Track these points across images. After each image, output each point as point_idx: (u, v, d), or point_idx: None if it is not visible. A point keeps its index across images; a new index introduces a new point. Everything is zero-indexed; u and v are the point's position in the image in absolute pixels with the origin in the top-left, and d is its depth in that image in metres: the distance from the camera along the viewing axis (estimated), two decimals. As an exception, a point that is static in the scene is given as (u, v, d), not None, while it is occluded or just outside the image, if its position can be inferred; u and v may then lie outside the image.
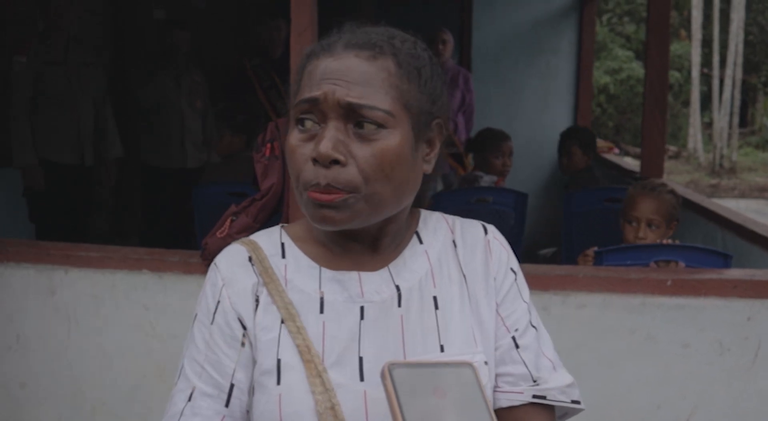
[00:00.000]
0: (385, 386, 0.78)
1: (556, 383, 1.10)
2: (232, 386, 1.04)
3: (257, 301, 1.06)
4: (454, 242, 1.15)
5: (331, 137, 0.99)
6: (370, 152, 1.00)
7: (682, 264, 2.53)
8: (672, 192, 2.83)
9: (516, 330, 1.11)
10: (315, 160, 0.99)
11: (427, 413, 0.76)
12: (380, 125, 1.00)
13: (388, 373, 0.78)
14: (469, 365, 0.82)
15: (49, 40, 4.18)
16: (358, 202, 1.00)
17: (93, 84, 4.37)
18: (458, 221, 1.19)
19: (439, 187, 4.97)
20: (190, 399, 1.05)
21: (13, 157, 4.14)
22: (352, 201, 1.00)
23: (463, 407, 0.77)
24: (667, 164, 4.45)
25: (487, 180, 4.22)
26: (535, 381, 1.09)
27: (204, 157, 4.98)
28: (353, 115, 1.00)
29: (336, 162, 0.99)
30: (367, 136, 1.00)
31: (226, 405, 1.04)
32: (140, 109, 4.91)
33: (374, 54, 1.02)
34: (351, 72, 1.01)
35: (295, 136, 1.03)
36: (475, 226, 1.18)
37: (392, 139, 1.01)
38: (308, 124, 1.02)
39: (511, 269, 1.15)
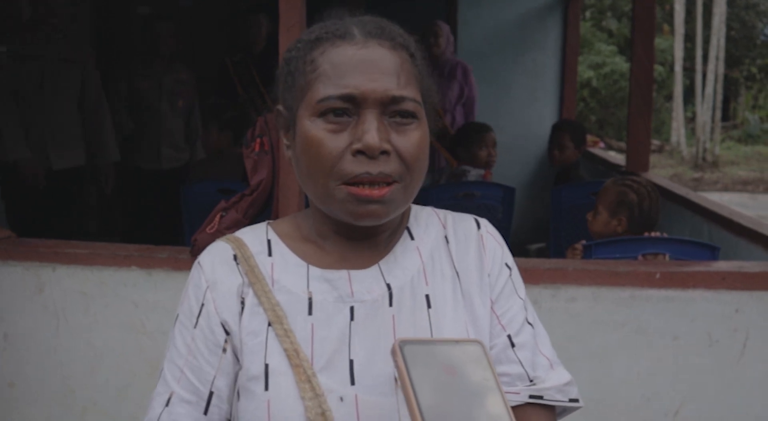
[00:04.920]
0: (396, 362, 0.79)
1: (553, 382, 1.07)
2: (211, 393, 1.01)
3: (242, 303, 1.03)
4: (446, 237, 1.12)
5: (376, 127, 0.97)
6: (409, 142, 0.99)
7: (667, 256, 2.56)
8: (628, 187, 2.83)
9: (511, 328, 1.08)
10: (359, 152, 0.97)
11: (437, 389, 0.76)
12: (413, 116, 1.00)
13: (399, 350, 0.79)
14: (478, 342, 0.83)
15: (35, 32, 3.93)
16: (399, 193, 1.00)
17: (70, 82, 4.13)
18: (450, 216, 1.16)
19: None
20: (167, 404, 1.02)
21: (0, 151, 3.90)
22: (396, 193, 0.99)
23: (473, 383, 0.78)
24: (651, 158, 4.48)
25: (474, 174, 4.25)
26: (531, 381, 1.07)
27: (185, 157, 4.82)
28: (391, 108, 0.99)
29: (383, 152, 0.97)
30: (403, 126, 1.00)
31: (205, 412, 1.01)
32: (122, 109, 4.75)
33: (393, 44, 1.02)
34: (383, 62, 0.99)
35: (320, 127, 0.99)
36: (467, 220, 1.15)
37: (422, 129, 1.02)
38: (338, 114, 0.99)
39: (506, 265, 1.12)
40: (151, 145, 4.73)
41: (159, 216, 4.71)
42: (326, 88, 0.99)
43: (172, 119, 4.75)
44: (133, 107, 4.68)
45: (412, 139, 1.00)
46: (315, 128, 0.99)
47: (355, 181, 0.97)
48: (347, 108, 0.98)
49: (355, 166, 0.97)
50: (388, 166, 0.97)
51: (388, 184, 0.98)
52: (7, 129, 3.87)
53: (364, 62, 0.99)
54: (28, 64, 3.94)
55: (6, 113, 3.86)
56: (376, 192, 0.97)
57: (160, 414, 1.02)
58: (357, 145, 0.97)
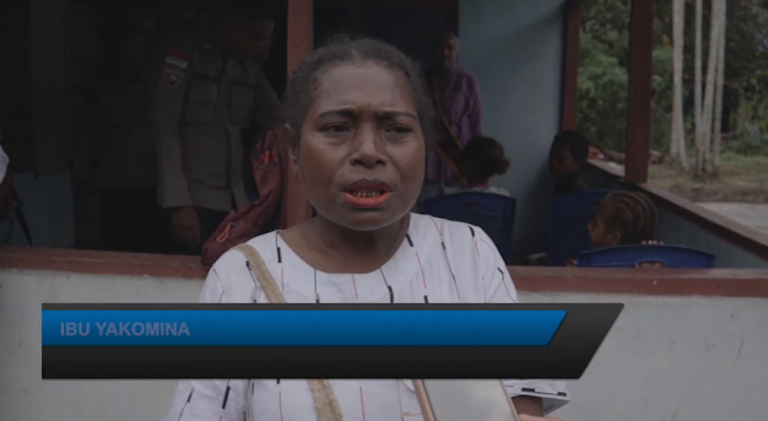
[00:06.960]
0: None
1: None
2: (228, 388, 1.08)
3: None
4: (443, 243, 1.20)
5: (372, 139, 1.05)
6: (404, 152, 1.07)
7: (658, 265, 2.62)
8: (625, 204, 2.88)
9: None
10: (357, 161, 1.04)
11: (444, 383, 0.82)
12: (408, 129, 1.08)
13: None
14: None
15: (211, 48, 3.23)
16: (396, 200, 1.07)
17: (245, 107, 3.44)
18: (446, 224, 1.23)
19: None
20: (189, 400, 1.09)
21: (158, 195, 3.14)
22: (392, 200, 1.06)
23: (484, 398, 0.84)
24: (651, 169, 4.54)
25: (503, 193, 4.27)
26: None
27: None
28: (386, 122, 1.06)
29: (379, 162, 1.05)
30: (399, 138, 1.07)
31: (223, 406, 1.08)
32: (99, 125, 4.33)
33: (390, 63, 1.10)
34: (379, 79, 1.07)
35: (321, 140, 1.07)
36: (462, 228, 1.23)
37: (417, 141, 1.09)
38: (338, 128, 1.07)
39: (498, 269, 1.19)
40: (120, 163, 4.26)
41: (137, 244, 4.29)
42: (327, 104, 1.07)
43: (140, 134, 4.14)
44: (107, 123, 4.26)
45: (408, 149, 1.07)
46: (317, 141, 1.07)
47: (353, 188, 1.05)
48: (346, 122, 1.06)
49: (353, 174, 1.05)
50: (384, 175, 1.05)
51: (383, 192, 1.06)
52: (165, 167, 3.08)
53: (361, 79, 1.07)
54: (207, 86, 3.24)
55: (169, 142, 3.10)
56: (372, 201, 1.05)
57: (183, 409, 1.09)
58: (355, 155, 1.04)
